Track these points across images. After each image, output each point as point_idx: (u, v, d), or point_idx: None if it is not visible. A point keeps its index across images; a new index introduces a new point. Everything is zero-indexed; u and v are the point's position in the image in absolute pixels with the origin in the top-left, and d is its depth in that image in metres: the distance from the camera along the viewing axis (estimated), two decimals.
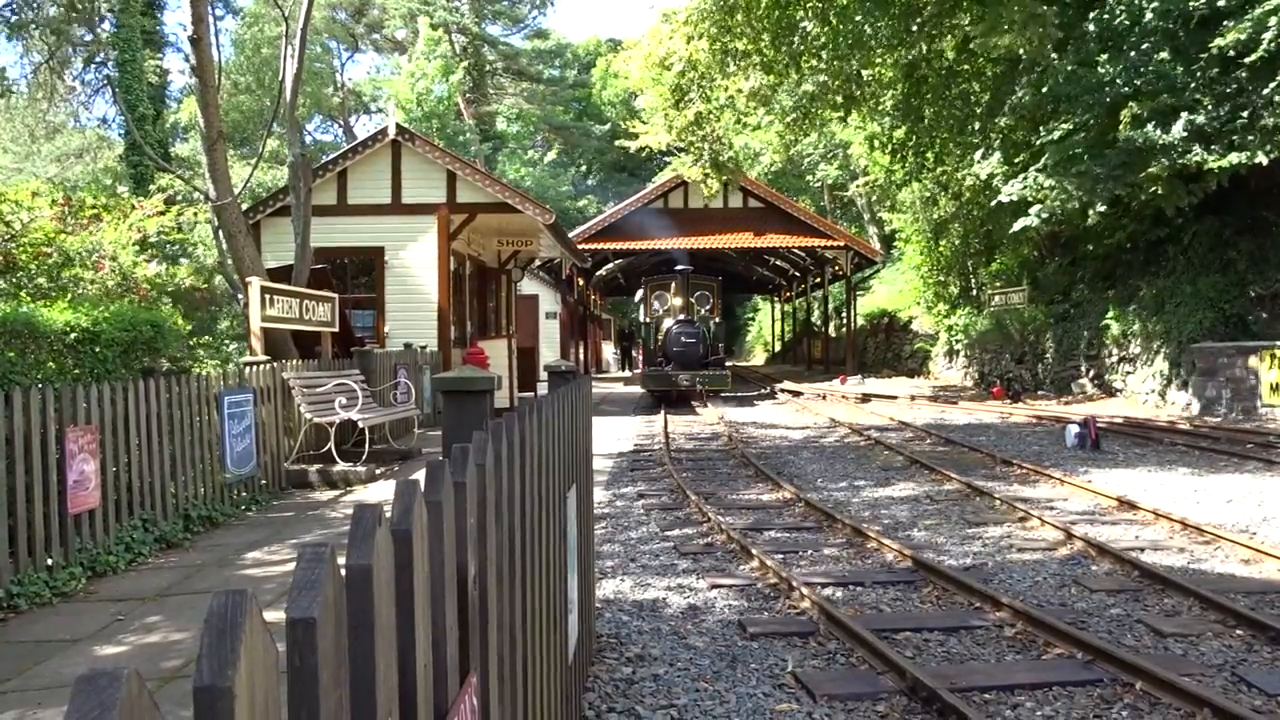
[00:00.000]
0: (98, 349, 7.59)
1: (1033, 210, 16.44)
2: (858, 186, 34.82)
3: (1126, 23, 15.05)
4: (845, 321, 33.48)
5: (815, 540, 7.48)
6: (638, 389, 23.95)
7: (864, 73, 18.30)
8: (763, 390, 25.92)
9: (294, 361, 10.72)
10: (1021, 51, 14.88)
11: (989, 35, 14.45)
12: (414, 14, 48.51)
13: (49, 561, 5.83)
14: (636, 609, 5.67)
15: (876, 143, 23.62)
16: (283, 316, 10.86)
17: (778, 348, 51.63)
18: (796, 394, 23.58)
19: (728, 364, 24.71)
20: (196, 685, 0.76)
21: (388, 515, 1.21)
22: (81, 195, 14.46)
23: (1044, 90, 15.84)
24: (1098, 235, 20.42)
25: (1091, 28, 15.79)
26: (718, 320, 23.81)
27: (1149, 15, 14.77)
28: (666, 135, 22.93)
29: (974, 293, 27.39)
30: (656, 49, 19.34)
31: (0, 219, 10.05)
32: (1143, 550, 6.87)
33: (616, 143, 37.39)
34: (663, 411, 18.12)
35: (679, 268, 22.42)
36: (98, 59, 33.44)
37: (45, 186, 13.67)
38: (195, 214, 18.48)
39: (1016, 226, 17.76)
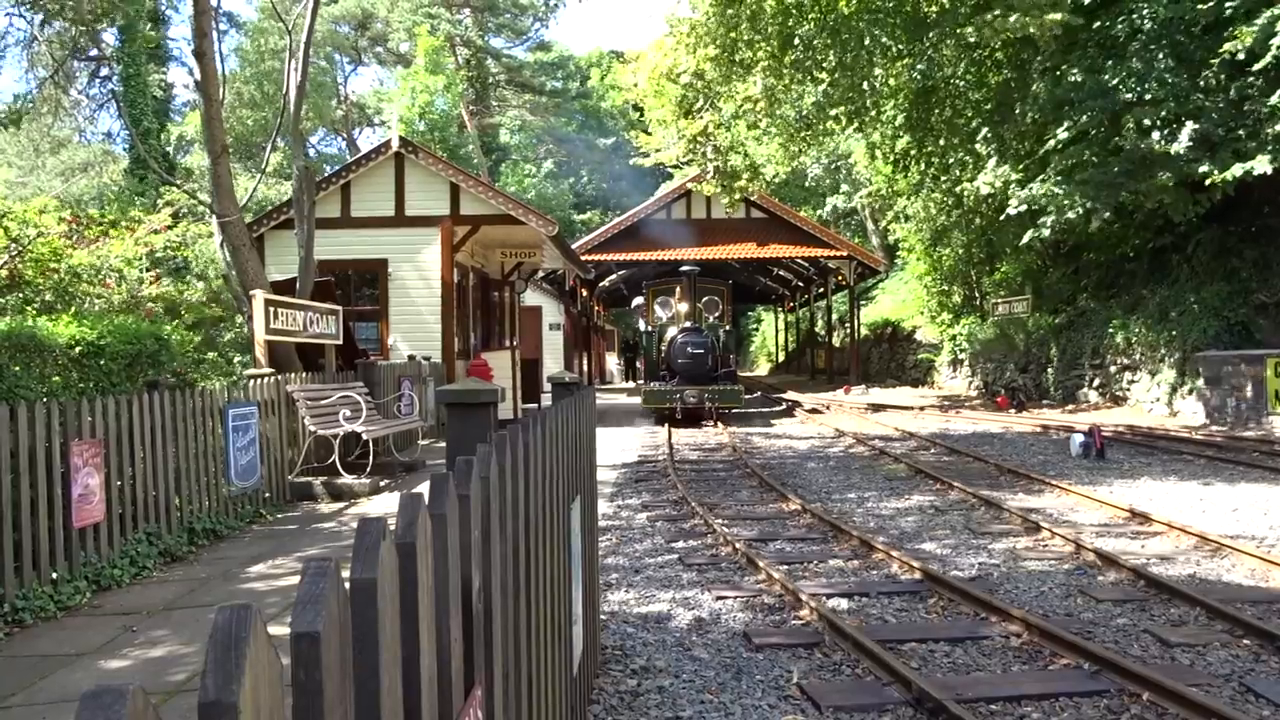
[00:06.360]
0: (102, 362, 7.61)
1: (1039, 221, 16.39)
2: (861, 198, 34.85)
3: (1128, 30, 15.05)
4: (849, 331, 33.44)
5: (821, 551, 7.46)
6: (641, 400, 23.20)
7: (867, 83, 18.27)
8: (775, 406, 23.72)
9: (298, 374, 10.74)
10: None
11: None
12: (417, 26, 48.69)
13: (54, 575, 5.84)
14: (641, 621, 5.65)
15: (879, 152, 23.56)
16: (287, 329, 10.87)
17: (781, 358, 51.65)
18: (815, 410, 21.75)
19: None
20: (201, 701, 0.76)
21: (392, 528, 1.21)
22: (89, 211, 14.53)
23: (1053, 89, 15.78)
24: (1101, 244, 20.38)
25: (1093, 36, 15.80)
26: (728, 328, 21.16)
27: (1148, 24, 14.76)
28: (674, 148, 22.74)
29: (977, 302, 27.37)
30: (663, 61, 19.27)
31: (6, 235, 10.10)
32: (1149, 560, 6.85)
33: (630, 161, 37.40)
34: (666, 423, 17.77)
35: (684, 269, 19.94)
36: (102, 73, 33.63)
37: (53, 204, 13.74)
38: (199, 230, 18.55)
39: (1025, 239, 17.71)
